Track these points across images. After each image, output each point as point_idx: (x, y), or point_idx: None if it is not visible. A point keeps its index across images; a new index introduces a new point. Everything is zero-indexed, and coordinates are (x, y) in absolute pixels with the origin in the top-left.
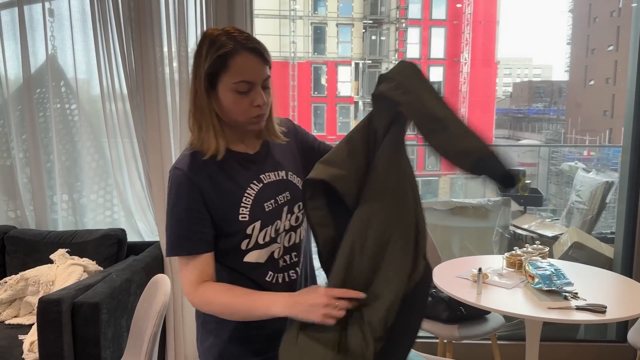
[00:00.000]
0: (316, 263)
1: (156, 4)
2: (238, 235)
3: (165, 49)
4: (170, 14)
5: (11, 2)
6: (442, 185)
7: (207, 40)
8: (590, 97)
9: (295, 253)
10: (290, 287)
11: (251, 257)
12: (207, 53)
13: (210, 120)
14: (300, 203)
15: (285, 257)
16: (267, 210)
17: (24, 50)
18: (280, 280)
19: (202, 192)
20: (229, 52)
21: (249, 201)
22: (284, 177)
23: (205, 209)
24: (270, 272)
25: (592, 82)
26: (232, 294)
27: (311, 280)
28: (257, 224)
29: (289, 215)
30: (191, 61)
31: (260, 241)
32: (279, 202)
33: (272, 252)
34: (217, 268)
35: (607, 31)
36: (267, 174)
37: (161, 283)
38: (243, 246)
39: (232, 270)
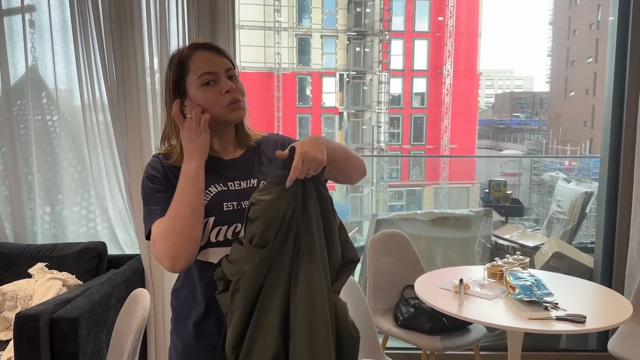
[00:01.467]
0: None
1: (138, 15)
2: None
3: (147, 60)
4: (152, 25)
5: None
6: (426, 195)
7: (168, 63)
8: (571, 108)
9: None
10: None
11: (202, 256)
12: (169, 70)
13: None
14: None
15: None
16: (225, 209)
17: (4, 61)
18: None
19: (168, 176)
20: (185, 56)
21: (206, 197)
22: (255, 185)
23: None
24: None
25: (572, 93)
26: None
27: None
28: (210, 220)
29: None
30: None
31: (213, 239)
32: (243, 207)
33: (227, 255)
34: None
35: (586, 43)
36: (236, 181)
37: (141, 297)
38: None
39: (188, 271)
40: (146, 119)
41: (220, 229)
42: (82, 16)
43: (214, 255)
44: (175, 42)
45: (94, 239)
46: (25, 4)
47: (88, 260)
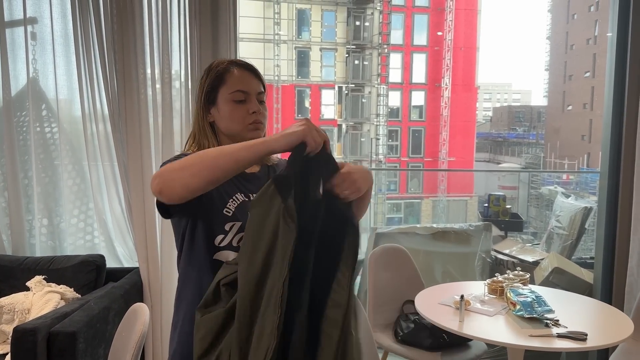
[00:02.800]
0: None
1: (140, 27)
2: (216, 227)
3: (149, 72)
4: (154, 37)
5: None
6: (424, 208)
7: (207, 69)
8: (569, 122)
9: None
10: None
11: (221, 256)
12: (206, 77)
13: (209, 140)
14: None
15: None
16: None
17: (5, 73)
18: None
19: None
20: (224, 69)
21: (235, 202)
22: None
23: None
24: None
25: (570, 107)
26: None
27: None
28: (238, 224)
29: None
30: (174, 83)
31: (235, 243)
32: None
33: None
34: (186, 268)
35: (584, 58)
36: (255, 194)
37: (140, 312)
38: (217, 241)
39: (201, 267)
40: (147, 130)
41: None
42: (84, 28)
43: (230, 258)
44: (177, 54)
45: (92, 251)
46: (27, 16)
47: (86, 273)
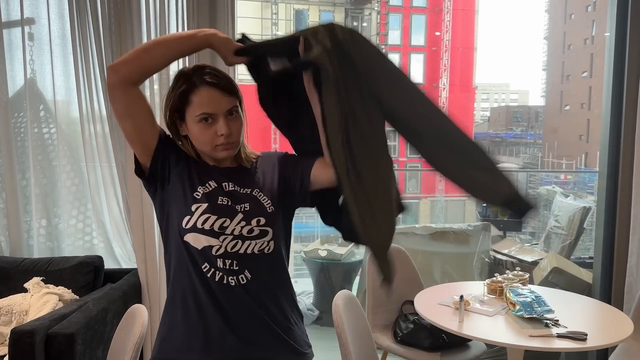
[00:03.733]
0: None
1: (137, 29)
2: (184, 208)
3: None
4: (152, 37)
5: None
6: (422, 209)
7: (176, 77)
8: (566, 122)
9: (236, 262)
10: (226, 291)
11: (189, 238)
12: (172, 89)
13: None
14: (261, 219)
15: (225, 260)
16: (218, 202)
17: (2, 74)
18: (217, 278)
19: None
20: (188, 89)
21: (207, 188)
22: (248, 193)
23: (167, 151)
24: (206, 263)
25: (567, 107)
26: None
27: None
28: (203, 206)
29: (242, 223)
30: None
31: (199, 225)
32: (235, 207)
33: (211, 246)
34: (166, 252)
35: (581, 58)
36: (231, 183)
37: (138, 314)
38: (184, 223)
39: (176, 250)
40: None
41: (209, 217)
42: (81, 29)
43: (198, 242)
44: None
45: (91, 252)
46: (25, 16)
47: (84, 274)
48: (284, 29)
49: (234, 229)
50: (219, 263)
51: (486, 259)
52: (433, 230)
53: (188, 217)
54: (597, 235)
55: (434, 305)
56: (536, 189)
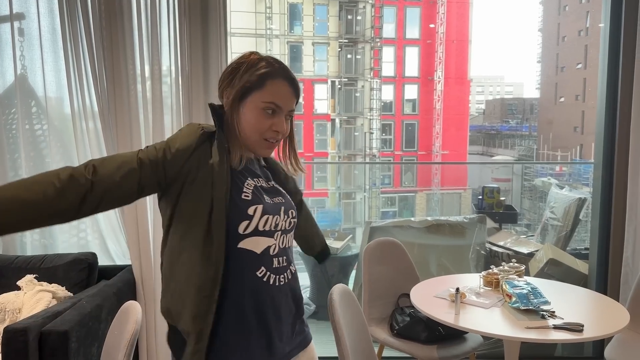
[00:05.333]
0: None
1: (128, 23)
2: (238, 216)
3: (138, 68)
4: (143, 32)
5: None
6: (418, 201)
7: (246, 63)
8: (561, 114)
9: (285, 257)
10: (280, 291)
11: (247, 244)
12: (245, 71)
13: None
14: (293, 211)
15: (279, 258)
16: (266, 200)
17: None
18: (271, 282)
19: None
20: (269, 73)
21: (249, 187)
22: (273, 186)
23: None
24: (262, 268)
25: (562, 99)
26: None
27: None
28: (259, 207)
29: (285, 217)
30: (165, 79)
31: (261, 227)
32: (275, 201)
33: (269, 247)
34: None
35: (576, 50)
36: (259, 179)
37: (132, 310)
38: (241, 229)
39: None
40: (137, 127)
41: (268, 217)
42: (72, 24)
43: (258, 245)
44: (167, 50)
45: (85, 249)
46: (14, 11)
47: (78, 271)
48: (277, 23)
49: (283, 225)
50: (275, 262)
51: (482, 251)
52: (429, 223)
53: (247, 222)
54: (592, 226)
55: (430, 298)
56: (531, 181)
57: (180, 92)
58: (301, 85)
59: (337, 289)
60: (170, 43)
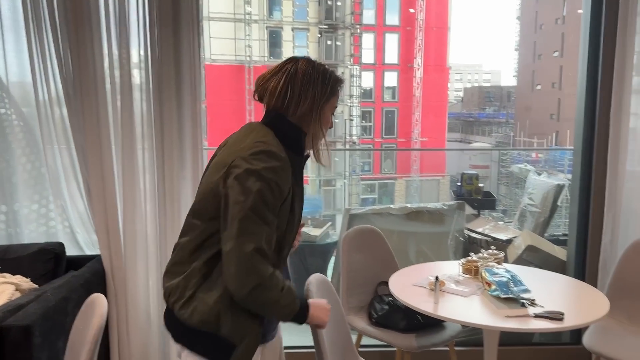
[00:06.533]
0: None
1: (94, 3)
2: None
3: (106, 49)
4: (111, 14)
5: None
6: (398, 188)
7: (322, 72)
8: (538, 101)
9: None
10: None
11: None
12: (326, 81)
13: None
14: None
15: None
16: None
17: None
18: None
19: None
20: (339, 84)
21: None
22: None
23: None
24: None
25: (539, 87)
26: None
27: None
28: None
29: None
30: (134, 64)
31: None
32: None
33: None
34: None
35: (553, 37)
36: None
37: (97, 304)
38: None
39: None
40: (105, 113)
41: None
42: (34, 5)
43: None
44: (135, 30)
45: (54, 238)
46: None
47: (44, 262)
48: (256, 7)
49: None
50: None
51: (460, 238)
52: (408, 210)
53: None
54: (571, 212)
55: (408, 286)
56: (508, 167)
57: (150, 76)
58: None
59: (314, 279)
60: (139, 24)
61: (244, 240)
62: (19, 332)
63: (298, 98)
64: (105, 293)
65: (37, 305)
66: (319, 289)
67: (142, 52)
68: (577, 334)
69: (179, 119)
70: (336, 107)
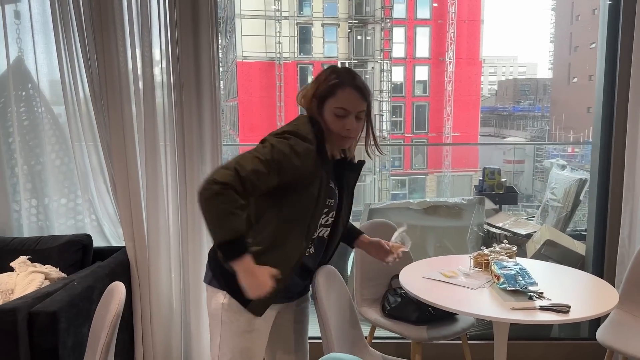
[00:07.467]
0: None
1: (118, 6)
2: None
3: (129, 52)
4: (134, 16)
5: None
6: (428, 183)
7: (329, 72)
8: (574, 95)
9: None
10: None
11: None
12: (325, 80)
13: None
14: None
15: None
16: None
17: None
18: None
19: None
20: (338, 84)
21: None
22: (333, 187)
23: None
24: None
25: (575, 80)
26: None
27: None
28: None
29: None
30: (156, 61)
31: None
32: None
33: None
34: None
35: (590, 29)
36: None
37: (116, 291)
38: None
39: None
40: (129, 111)
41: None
42: (62, 8)
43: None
44: (157, 32)
45: (82, 231)
46: None
47: (72, 252)
48: (287, 4)
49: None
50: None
51: (480, 233)
52: (427, 205)
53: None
54: (590, 207)
55: (418, 278)
56: (541, 162)
57: (172, 76)
58: (310, 68)
59: (322, 271)
60: (161, 25)
61: (235, 162)
62: (46, 318)
63: (306, 91)
64: (129, 282)
65: (64, 293)
66: (327, 280)
67: (163, 47)
68: (594, 329)
69: (199, 115)
70: (339, 109)
